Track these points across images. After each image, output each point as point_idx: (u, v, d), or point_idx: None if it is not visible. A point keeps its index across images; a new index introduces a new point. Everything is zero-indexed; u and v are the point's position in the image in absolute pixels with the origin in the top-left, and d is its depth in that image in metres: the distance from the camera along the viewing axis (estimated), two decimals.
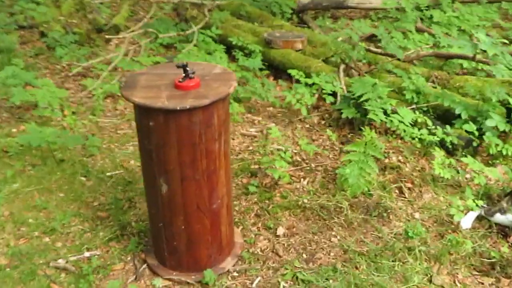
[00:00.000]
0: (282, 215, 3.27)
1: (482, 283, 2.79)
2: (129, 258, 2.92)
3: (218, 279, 2.74)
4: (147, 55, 5.40)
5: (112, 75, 5.03)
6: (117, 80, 4.87)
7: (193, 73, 2.41)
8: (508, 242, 3.03)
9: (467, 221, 3.17)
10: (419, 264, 2.85)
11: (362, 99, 3.95)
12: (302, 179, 3.64)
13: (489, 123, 3.83)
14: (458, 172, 3.60)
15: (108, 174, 3.63)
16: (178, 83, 2.38)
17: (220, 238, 2.78)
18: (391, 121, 3.78)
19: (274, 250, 2.98)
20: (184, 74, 2.40)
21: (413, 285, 2.72)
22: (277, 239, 3.07)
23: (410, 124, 3.79)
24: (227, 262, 2.86)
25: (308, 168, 3.77)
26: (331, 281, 2.73)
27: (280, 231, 3.13)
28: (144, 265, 2.86)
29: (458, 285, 2.76)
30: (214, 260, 2.81)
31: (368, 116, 3.87)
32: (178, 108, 2.26)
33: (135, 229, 3.09)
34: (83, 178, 3.59)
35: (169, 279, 2.75)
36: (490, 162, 3.79)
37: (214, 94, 2.35)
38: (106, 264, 2.85)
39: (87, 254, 2.92)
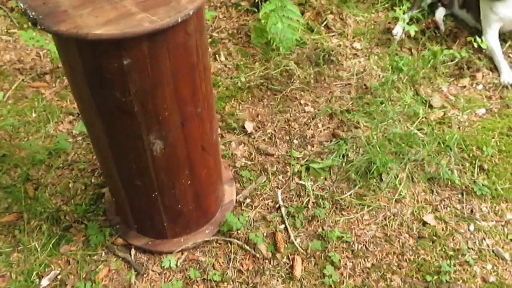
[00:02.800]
0: (231, 106, 2.62)
1: (463, 85, 2.73)
2: (103, 254, 2.04)
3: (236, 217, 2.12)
4: None
5: None
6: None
7: None
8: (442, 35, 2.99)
9: (398, 30, 2.99)
10: (404, 94, 2.63)
11: None
12: (216, 55, 2.92)
13: None
14: None
15: None
16: None
17: (220, 170, 2.09)
18: None
19: (261, 152, 2.41)
20: None
21: (416, 113, 2.52)
22: (252, 138, 2.48)
23: None
24: (229, 193, 2.22)
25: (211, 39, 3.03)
26: (343, 151, 2.35)
27: (248, 126, 2.52)
28: (133, 251, 2.04)
29: (450, 96, 2.65)
30: (220, 199, 2.15)
31: None
32: (179, 21, 1.34)
33: (74, 214, 2.14)
34: None
35: (184, 250, 2.04)
36: None
37: None
38: (83, 278, 1.96)
39: (45, 282, 1.95)
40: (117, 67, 1.40)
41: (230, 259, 2.01)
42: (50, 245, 2.02)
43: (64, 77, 2.74)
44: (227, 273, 1.96)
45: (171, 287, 1.92)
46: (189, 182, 1.84)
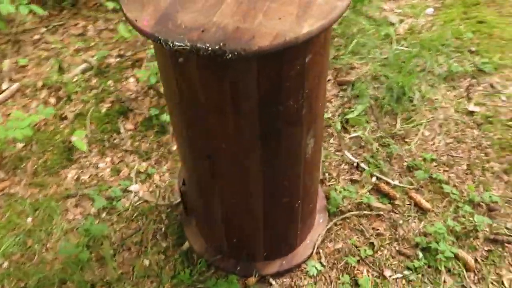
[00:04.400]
0: None
1: None
2: None
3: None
4: None
5: None
6: None
7: None
8: None
9: None
10: (365, 23, 2.76)
11: None
12: None
13: None
14: None
15: None
16: None
17: None
18: None
19: None
20: None
21: (388, 35, 2.68)
22: None
23: None
24: None
25: None
26: (362, 91, 2.41)
27: None
28: (273, 282, 1.84)
29: (396, 9, 2.86)
30: None
31: None
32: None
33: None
34: None
35: (317, 248, 1.90)
36: None
37: None
38: None
39: None
40: (299, 69, 1.22)
41: (362, 231, 1.94)
42: None
43: None
44: (373, 243, 1.90)
45: (341, 284, 1.80)
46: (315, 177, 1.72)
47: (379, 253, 1.87)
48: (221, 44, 1.07)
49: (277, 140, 1.38)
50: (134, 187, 2.14)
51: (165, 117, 2.33)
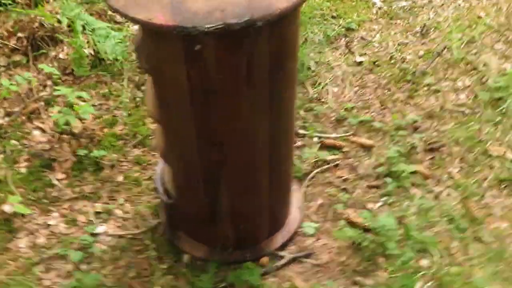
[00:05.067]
0: None
1: None
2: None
3: None
4: None
5: None
6: None
7: None
8: None
9: None
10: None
11: None
12: None
13: None
14: None
15: None
16: None
17: None
18: None
19: None
20: None
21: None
22: None
23: None
24: None
25: None
26: None
27: None
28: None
29: None
30: None
31: None
32: None
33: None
34: None
35: None
36: None
37: None
38: None
39: None
40: (294, 31, 1.36)
41: (331, 182, 2.14)
42: None
43: None
44: (345, 188, 2.11)
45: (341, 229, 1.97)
46: None
47: (354, 194, 2.09)
48: (251, 15, 1.16)
49: (280, 106, 1.49)
50: (101, 228, 2.01)
51: (97, 153, 2.23)
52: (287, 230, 1.96)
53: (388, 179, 2.09)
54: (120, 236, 1.98)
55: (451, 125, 2.32)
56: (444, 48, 2.68)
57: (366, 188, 2.10)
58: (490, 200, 2.03)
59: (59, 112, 2.36)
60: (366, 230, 1.91)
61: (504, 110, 2.33)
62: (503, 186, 2.07)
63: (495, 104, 2.37)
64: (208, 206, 1.71)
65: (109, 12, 2.81)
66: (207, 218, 1.77)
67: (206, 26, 1.14)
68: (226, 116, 1.40)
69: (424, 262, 1.83)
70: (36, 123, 2.41)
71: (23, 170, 2.22)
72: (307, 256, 1.90)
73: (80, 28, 2.52)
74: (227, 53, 1.25)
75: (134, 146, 2.31)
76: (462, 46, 2.69)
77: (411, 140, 2.24)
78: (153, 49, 1.30)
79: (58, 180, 2.19)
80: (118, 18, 2.82)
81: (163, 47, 1.29)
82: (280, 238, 1.94)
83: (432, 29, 2.85)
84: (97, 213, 2.07)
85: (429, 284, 1.76)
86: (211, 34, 1.13)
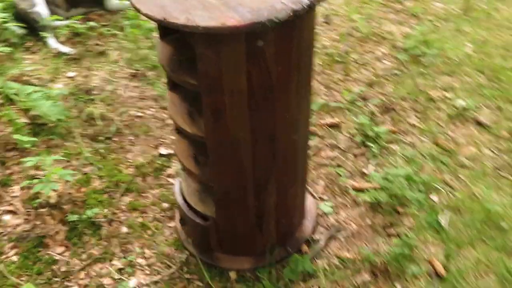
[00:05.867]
0: None
1: None
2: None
3: None
4: None
5: None
6: None
7: None
8: None
9: None
10: None
11: None
12: None
13: None
14: None
15: None
16: None
17: None
18: None
19: None
20: None
21: None
22: None
23: None
24: None
25: None
26: None
27: None
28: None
29: None
30: None
31: None
32: None
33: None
34: None
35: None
36: None
37: None
38: None
39: None
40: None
41: (326, 165, 2.30)
42: None
43: None
44: (339, 164, 2.29)
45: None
46: None
47: (348, 166, 2.27)
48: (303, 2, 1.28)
49: (310, 90, 1.61)
50: (133, 282, 1.91)
51: (91, 212, 2.10)
52: (310, 215, 2.07)
53: (369, 144, 2.31)
54: (156, 282, 1.90)
55: (391, 86, 2.63)
56: (352, 29, 3.02)
57: (354, 158, 2.30)
58: (452, 134, 2.36)
59: (22, 188, 2.18)
60: (374, 190, 2.10)
61: (426, 63, 2.72)
62: (454, 120, 2.43)
63: (416, 60, 2.75)
64: (256, 210, 1.74)
65: (28, 74, 2.65)
66: (253, 225, 1.80)
67: (278, 16, 1.22)
68: (280, 109, 1.48)
69: (435, 198, 2.08)
70: (2, 208, 2.18)
71: (15, 258, 2.00)
72: (339, 230, 2.03)
73: (15, 97, 2.34)
74: (284, 43, 1.34)
75: (122, 195, 2.22)
76: (365, 23, 3.06)
77: (367, 108, 2.51)
78: (213, 59, 1.33)
79: (59, 254, 2.01)
80: (35, 80, 2.66)
81: (225, 53, 1.31)
82: (308, 224, 2.04)
83: (333, 16, 3.18)
84: (120, 269, 1.96)
85: (448, 212, 2.00)
86: (273, 28, 1.22)
